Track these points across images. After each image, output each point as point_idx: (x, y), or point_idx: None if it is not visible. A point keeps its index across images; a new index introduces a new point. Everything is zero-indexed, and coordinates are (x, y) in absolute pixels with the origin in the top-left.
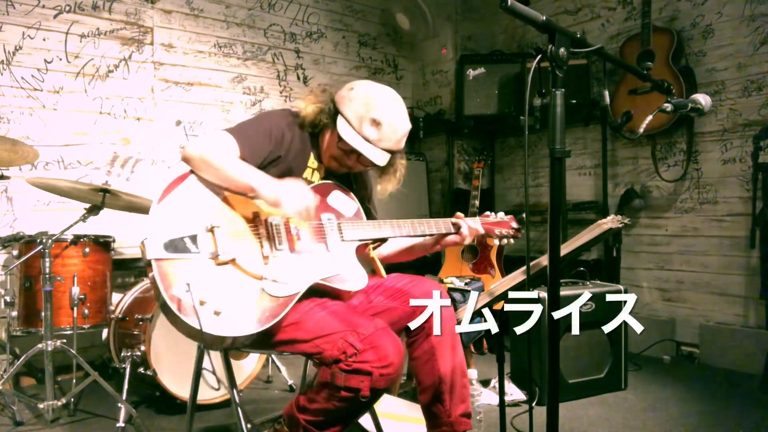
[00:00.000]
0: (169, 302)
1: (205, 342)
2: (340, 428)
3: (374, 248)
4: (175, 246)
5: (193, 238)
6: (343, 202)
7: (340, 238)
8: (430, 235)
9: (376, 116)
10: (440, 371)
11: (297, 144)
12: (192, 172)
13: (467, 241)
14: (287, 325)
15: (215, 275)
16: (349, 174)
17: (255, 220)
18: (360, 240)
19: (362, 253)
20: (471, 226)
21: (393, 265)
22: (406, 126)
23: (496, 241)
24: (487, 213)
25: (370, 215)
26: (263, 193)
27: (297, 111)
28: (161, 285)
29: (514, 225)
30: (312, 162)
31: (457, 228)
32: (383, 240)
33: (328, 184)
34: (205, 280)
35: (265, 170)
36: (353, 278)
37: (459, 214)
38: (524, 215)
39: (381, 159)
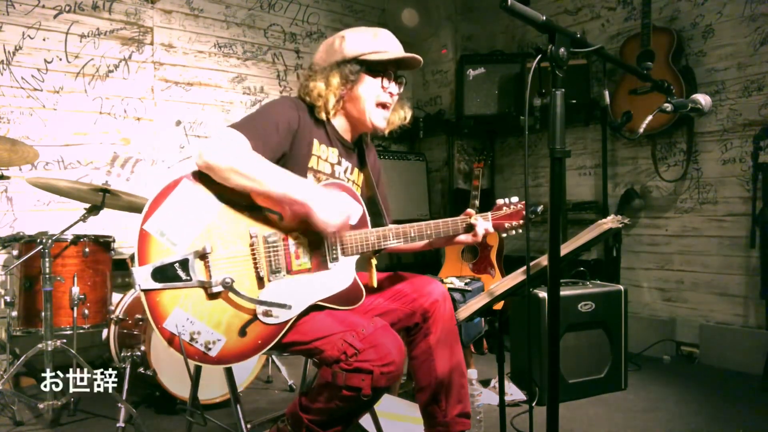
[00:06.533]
0: (161, 336)
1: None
2: (342, 427)
3: (376, 253)
4: (165, 273)
5: (184, 264)
6: (348, 206)
7: (341, 253)
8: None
9: (372, 33)
10: (438, 371)
11: (301, 133)
12: (186, 178)
13: (478, 242)
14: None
15: (207, 305)
16: (362, 151)
17: (252, 238)
18: (361, 253)
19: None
20: (482, 229)
21: (394, 264)
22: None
23: (504, 235)
24: (500, 203)
25: (376, 209)
26: (313, 206)
27: (304, 97)
28: (151, 318)
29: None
30: (317, 149)
31: (471, 229)
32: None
33: (334, 184)
34: (196, 310)
35: None
36: (351, 297)
37: (470, 211)
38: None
39: (411, 56)
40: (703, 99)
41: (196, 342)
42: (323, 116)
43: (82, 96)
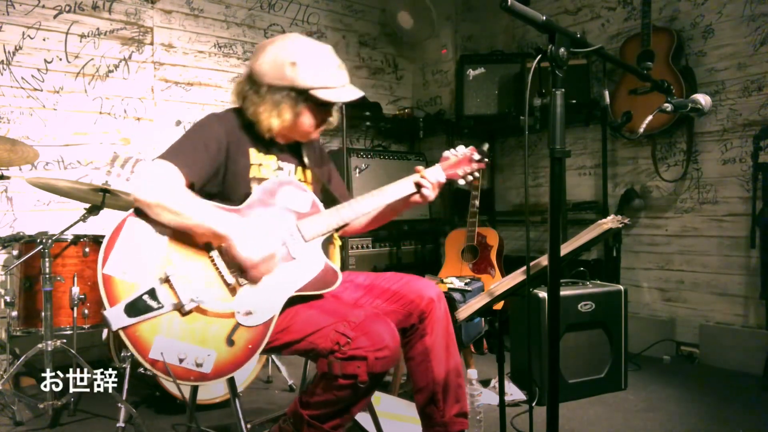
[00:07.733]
0: (150, 368)
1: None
2: (342, 420)
3: (339, 231)
4: (137, 308)
5: (152, 293)
6: (296, 197)
7: (302, 241)
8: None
9: (323, 62)
10: (434, 372)
11: (233, 145)
12: (129, 216)
13: (432, 197)
14: (278, 333)
15: (186, 325)
16: (299, 150)
17: (210, 250)
18: (323, 234)
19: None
20: (432, 181)
21: (394, 264)
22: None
23: (461, 182)
24: (445, 154)
25: (329, 196)
26: (234, 241)
27: (243, 111)
28: (136, 353)
29: (476, 156)
30: (255, 158)
31: (419, 187)
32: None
33: (276, 181)
34: (177, 333)
35: (211, 183)
36: (327, 279)
37: (419, 168)
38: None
39: (350, 94)
40: (703, 99)
41: (186, 363)
42: (263, 134)
43: (82, 96)
